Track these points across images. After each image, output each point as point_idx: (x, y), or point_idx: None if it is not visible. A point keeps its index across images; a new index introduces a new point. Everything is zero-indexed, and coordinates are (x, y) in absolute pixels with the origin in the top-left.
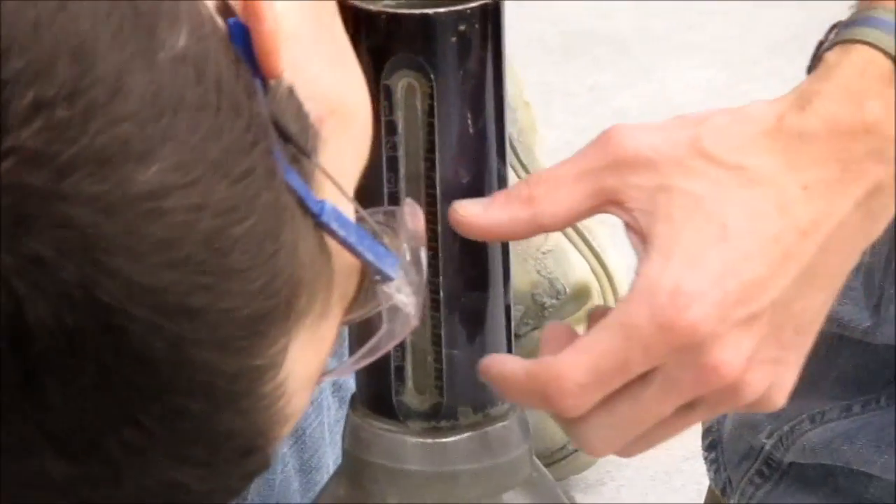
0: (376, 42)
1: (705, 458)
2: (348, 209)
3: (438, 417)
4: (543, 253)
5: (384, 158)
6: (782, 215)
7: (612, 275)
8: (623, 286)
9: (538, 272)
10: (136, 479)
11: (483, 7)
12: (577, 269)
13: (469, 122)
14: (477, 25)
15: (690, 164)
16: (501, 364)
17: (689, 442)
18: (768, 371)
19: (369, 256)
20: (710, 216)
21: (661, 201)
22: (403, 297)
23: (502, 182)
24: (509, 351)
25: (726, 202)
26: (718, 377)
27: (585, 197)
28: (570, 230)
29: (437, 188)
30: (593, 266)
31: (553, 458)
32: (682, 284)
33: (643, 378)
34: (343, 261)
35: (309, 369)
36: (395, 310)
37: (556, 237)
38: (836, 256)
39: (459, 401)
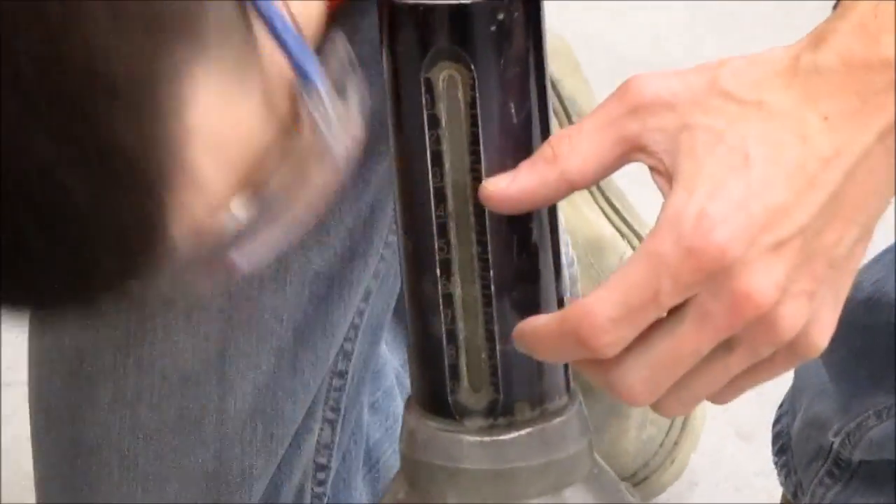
0: (415, 35)
1: (775, 464)
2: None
3: (495, 415)
4: None
5: (428, 153)
6: (804, 144)
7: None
8: None
9: None
10: None
11: None
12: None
13: (512, 112)
14: (516, 14)
15: (710, 102)
16: (534, 322)
17: (761, 455)
18: (803, 304)
19: (291, 47)
20: (731, 148)
21: (684, 139)
22: (326, 124)
23: None
24: None
25: (747, 135)
26: (752, 306)
27: (610, 146)
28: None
29: (484, 181)
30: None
31: None
32: (706, 209)
33: (677, 313)
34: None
35: (218, 128)
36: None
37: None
38: (861, 188)
39: (516, 397)
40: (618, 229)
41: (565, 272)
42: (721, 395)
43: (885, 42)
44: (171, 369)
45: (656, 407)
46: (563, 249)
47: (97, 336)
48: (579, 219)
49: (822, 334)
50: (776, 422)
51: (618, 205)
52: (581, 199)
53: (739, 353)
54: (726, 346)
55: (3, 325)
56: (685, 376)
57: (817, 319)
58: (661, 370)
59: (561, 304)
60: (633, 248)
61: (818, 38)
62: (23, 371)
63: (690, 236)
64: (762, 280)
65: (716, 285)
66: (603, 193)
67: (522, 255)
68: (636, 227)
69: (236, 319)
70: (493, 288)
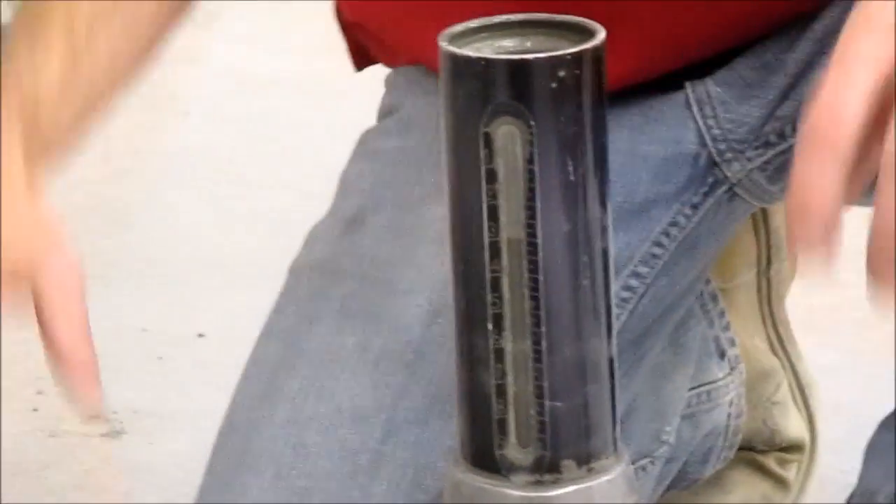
0: (475, 89)
1: None
2: None
3: (542, 471)
4: (773, 403)
5: (485, 207)
6: None
7: (817, 438)
8: (819, 455)
9: (764, 422)
10: None
11: (583, 52)
12: (794, 426)
13: (570, 169)
14: (577, 71)
15: None
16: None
17: None
18: None
19: None
20: None
21: None
22: None
23: (604, 231)
24: (613, 403)
25: None
26: None
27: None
28: (794, 386)
29: (539, 237)
30: (806, 426)
31: None
32: None
33: None
34: None
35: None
36: None
37: (784, 391)
38: None
39: (563, 454)
40: (780, 360)
41: (615, 331)
42: None
43: None
44: (347, 404)
45: None
46: (613, 311)
47: (296, 356)
48: (750, 346)
49: None
50: None
51: (784, 336)
52: (754, 327)
53: None
54: None
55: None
56: None
57: None
58: None
59: (612, 363)
60: (788, 381)
61: None
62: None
63: None
64: None
65: None
66: (774, 323)
67: (575, 312)
68: (794, 359)
69: (419, 375)
70: (544, 344)
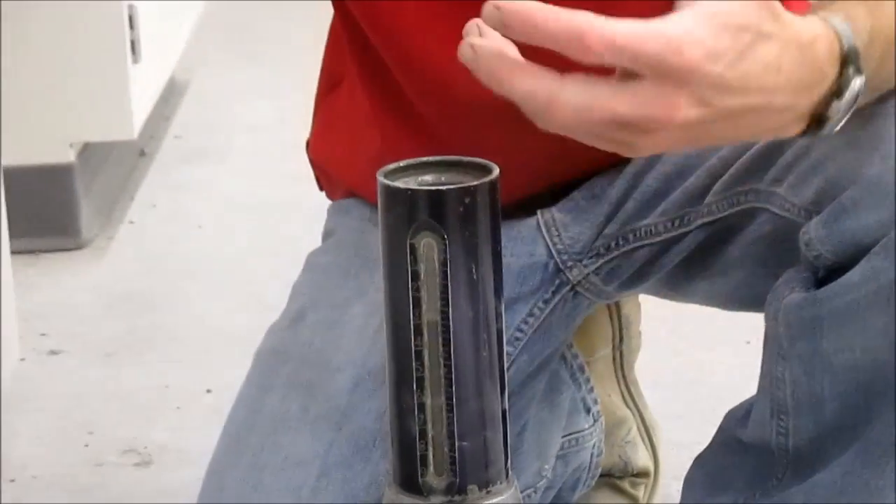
0: (403, 211)
1: None
2: None
3: (453, 493)
4: (626, 442)
5: (410, 299)
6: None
7: (660, 466)
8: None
9: (619, 456)
10: None
11: (482, 184)
12: (642, 458)
13: (473, 270)
14: (478, 198)
15: None
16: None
17: None
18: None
19: None
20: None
21: None
22: None
23: (498, 317)
24: (506, 442)
25: None
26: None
27: None
28: (641, 428)
29: (451, 320)
30: (651, 458)
31: None
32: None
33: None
34: None
35: None
36: None
37: (634, 433)
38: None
39: (469, 481)
40: (631, 410)
41: (507, 390)
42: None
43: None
44: (292, 453)
45: None
46: (505, 375)
47: (255, 418)
48: (608, 401)
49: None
50: None
51: (633, 392)
52: (610, 387)
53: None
54: None
55: None
56: None
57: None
58: None
59: (504, 414)
60: (637, 425)
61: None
62: None
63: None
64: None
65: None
66: (626, 383)
67: (476, 377)
68: (641, 409)
69: (345, 431)
70: (454, 399)
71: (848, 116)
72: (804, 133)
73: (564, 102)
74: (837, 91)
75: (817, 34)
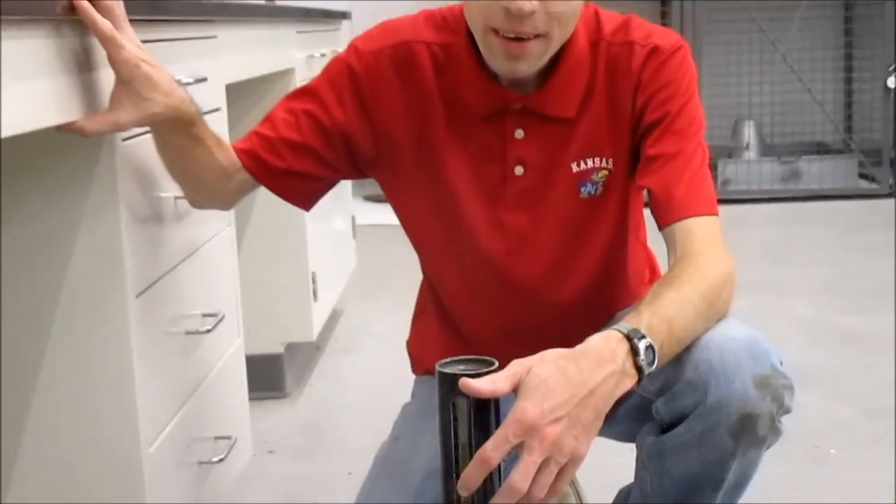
0: (448, 385)
1: None
2: None
3: None
4: None
5: (452, 431)
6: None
7: None
8: None
9: None
10: None
11: (487, 371)
12: None
13: (484, 416)
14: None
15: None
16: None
17: None
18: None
19: None
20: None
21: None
22: None
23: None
24: None
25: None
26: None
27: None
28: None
29: (473, 441)
30: None
31: None
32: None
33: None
34: None
35: None
36: None
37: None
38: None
39: None
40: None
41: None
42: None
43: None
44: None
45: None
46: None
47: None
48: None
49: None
50: None
51: (579, 488)
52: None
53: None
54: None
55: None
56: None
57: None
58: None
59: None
60: None
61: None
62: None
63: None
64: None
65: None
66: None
67: (490, 474)
68: (581, 493)
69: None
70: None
71: (657, 362)
72: (639, 380)
73: None
74: (635, 351)
75: (606, 341)
